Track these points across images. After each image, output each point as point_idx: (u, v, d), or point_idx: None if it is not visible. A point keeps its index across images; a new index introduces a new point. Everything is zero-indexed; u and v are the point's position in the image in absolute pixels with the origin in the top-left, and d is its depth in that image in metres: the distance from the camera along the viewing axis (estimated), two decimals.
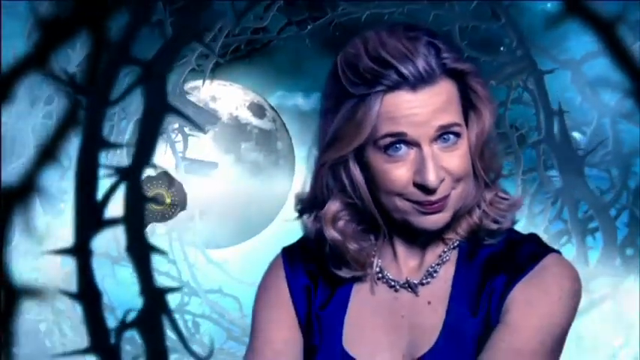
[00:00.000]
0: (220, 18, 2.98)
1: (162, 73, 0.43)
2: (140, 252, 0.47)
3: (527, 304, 1.04)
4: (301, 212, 1.15)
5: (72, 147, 0.46)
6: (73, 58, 2.35)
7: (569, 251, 2.87)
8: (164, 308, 0.49)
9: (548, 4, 2.92)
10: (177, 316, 3.53)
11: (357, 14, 3.09)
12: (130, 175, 0.44)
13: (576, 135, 3.05)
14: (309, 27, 3.34)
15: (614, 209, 2.98)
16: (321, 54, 3.31)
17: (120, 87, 0.48)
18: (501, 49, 3.08)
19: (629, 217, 2.97)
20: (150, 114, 0.42)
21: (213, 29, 3.01)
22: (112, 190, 0.45)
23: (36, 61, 0.42)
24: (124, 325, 0.49)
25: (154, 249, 0.48)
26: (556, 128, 2.91)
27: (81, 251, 0.44)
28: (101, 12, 0.44)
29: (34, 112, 2.73)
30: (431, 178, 1.00)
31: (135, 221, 0.45)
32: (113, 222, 0.46)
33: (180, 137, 3.44)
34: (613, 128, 2.91)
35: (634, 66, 0.42)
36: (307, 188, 1.14)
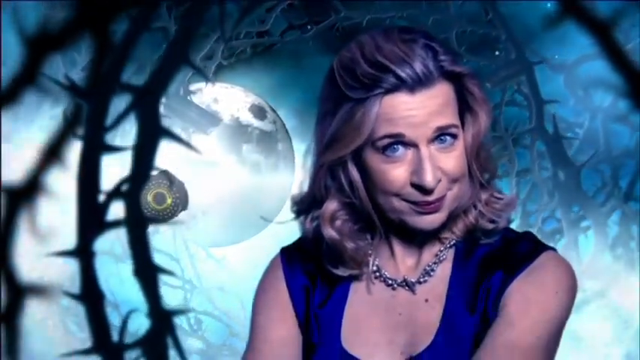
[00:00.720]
0: (222, 20, 2.97)
1: (155, 98, 0.44)
2: (147, 274, 0.47)
3: (525, 300, 1.05)
4: (298, 213, 1.16)
5: (76, 148, 0.47)
6: (78, 61, 2.36)
7: (562, 250, 2.88)
8: (170, 330, 0.50)
9: (548, 4, 2.92)
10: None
11: (359, 19, 3.09)
12: (128, 191, 0.45)
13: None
14: (309, 28, 3.34)
15: (606, 209, 2.99)
16: (323, 55, 3.31)
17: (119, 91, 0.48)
18: (496, 53, 3.09)
19: (620, 216, 2.98)
20: (143, 138, 0.43)
21: (217, 31, 3.01)
22: (113, 195, 0.45)
23: (31, 71, 0.43)
24: (127, 346, 0.49)
25: (160, 270, 0.48)
26: (551, 129, 2.92)
27: (83, 253, 0.45)
28: (105, 16, 0.44)
29: (39, 113, 2.74)
30: (428, 178, 1.01)
31: (136, 230, 0.46)
32: (115, 224, 0.46)
33: (183, 136, 3.45)
34: (604, 129, 2.93)
35: (630, 67, 0.43)
36: (304, 190, 1.15)
